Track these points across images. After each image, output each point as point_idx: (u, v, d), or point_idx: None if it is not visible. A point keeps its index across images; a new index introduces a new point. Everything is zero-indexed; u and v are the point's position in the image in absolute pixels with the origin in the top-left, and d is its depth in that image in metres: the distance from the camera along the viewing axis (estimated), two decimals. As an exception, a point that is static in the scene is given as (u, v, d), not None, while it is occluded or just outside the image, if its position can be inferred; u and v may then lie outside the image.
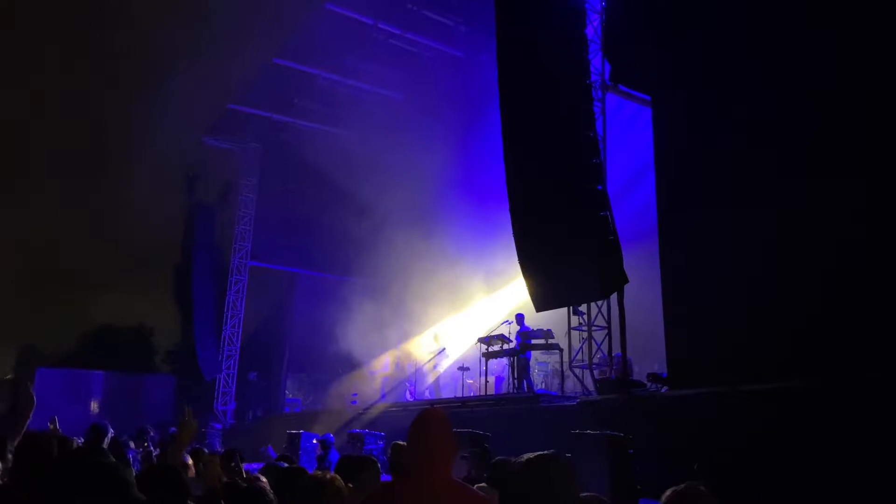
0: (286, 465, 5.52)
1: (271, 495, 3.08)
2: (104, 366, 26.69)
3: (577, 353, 10.92)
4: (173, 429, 10.78)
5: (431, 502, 2.72)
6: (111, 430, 6.97)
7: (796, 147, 8.20)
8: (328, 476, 2.87)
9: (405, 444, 3.04)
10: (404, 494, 2.78)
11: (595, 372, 10.64)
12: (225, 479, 4.20)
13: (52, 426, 7.25)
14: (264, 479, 4.87)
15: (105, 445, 6.52)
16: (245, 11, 20.91)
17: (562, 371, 12.77)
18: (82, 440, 6.86)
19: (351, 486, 3.11)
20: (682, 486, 2.73)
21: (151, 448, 8.26)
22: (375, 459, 4.75)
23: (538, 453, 2.21)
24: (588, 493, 3.10)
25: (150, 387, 26.27)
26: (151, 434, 9.85)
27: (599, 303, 10.60)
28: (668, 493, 2.76)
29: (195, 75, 16.74)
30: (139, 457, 8.05)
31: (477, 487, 4.64)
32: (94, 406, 24.81)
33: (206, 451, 7.58)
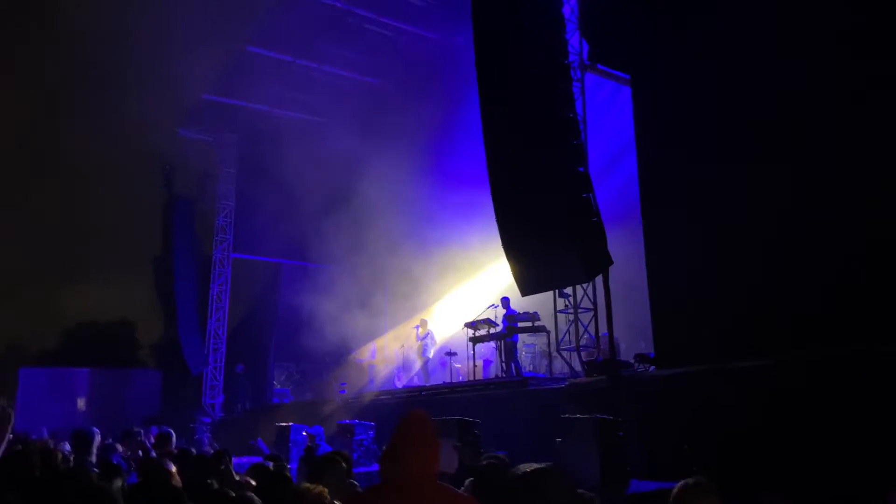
0: (272, 464, 5.47)
1: None
2: (88, 363, 26.41)
3: (564, 335, 10.94)
4: (166, 427, 10.66)
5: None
6: (98, 435, 6.86)
7: (777, 123, 8.19)
8: (315, 490, 2.81)
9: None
10: (390, 500, 2.74)
11: (582, 353, 10.67)
12: (215, 486, 4.14)
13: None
14: (253, 483, 4.83)
15: (94, 452, 6.44)
16: (215, -1, 20.51)
17: (549, 353, 12.81)
18: (69, 447, 6.77)
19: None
20: (692, 480, 2.82)
21: (149, 448, 8.09)
22: (337, 458, 4.71)
23: (535, 467, 2.15)
24: (582, 491, 3.09)
25: (136, 382, 26.03)
26: (140, 433, 9.68)
27: (585, 284, 10.59)
28: (678, 486, 2.86)
29: (167, 65, 16.40)
30: (128, 459, 7.93)
31: (468, 481, 4.63)
32: (80, 404, 24.56)
33: (193, 451, 7.50)
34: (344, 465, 4.95)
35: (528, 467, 2.14)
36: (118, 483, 4.58)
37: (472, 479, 4.58)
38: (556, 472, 2.17)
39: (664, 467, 7.22)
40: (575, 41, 11.37)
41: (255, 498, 3.02)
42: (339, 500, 3.50)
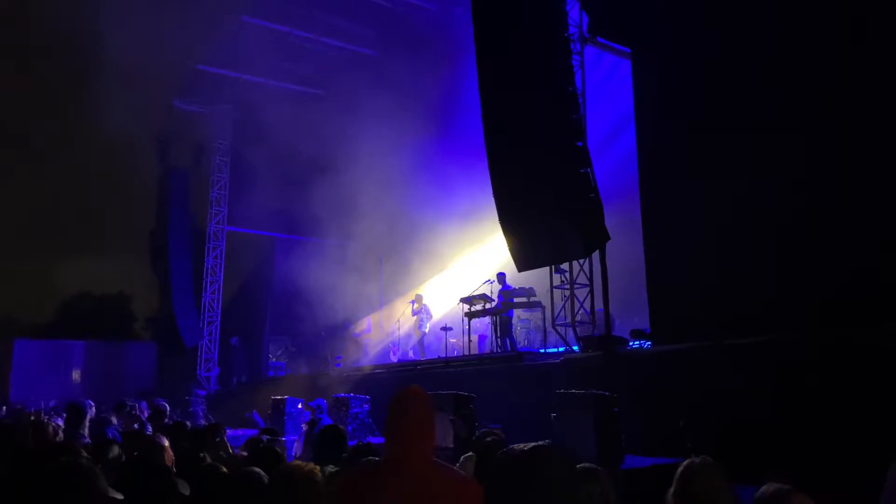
0: (267, 438, 5.45)
1: (263, 481, 2.94)
2: (84, 335, 26.41)
3: (560, 310, 10.92)
4: (159, 400, 10.64)
5: (414, 486, 2.64)
6: (92, 408, 6.85)
7: (777, 97, 8.10)
8: (305, 468, 2.76)
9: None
10: (386, 479, 2.70)
11: (578, 329, 10.66)
12: (208, 460, 4.12)
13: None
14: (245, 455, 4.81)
15: (86, 425, 6.42)
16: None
17: (544, 328, 12.80)
18: (62, 421, 6.74)
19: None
20: (698, 458, 2.79)
21: (144, 421, 8.08)
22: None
23: (533, 445, 2.10)
24: (583, 465, 3.05)
25: (132, 354, 26.08)
26: (135, 406, 9.66)
27: (581, 260, 10.55)
28: (684, 464, 2.85)
29: (161, 35, 16.14)
30: (121, 432, 7.93)
31: (463, 458, 4.61)
32: (75, 376, 24.61)
33: (188, 424, 7.50)
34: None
35: (525, 446, 2.09)
36: (115, 451, 4.55)
37: (469, 453, 4.56)
38: (557, 449, 2.12)
39: (659, 443, 7.24)
40: (575, 13, 11.20)
41: (258, 471, 2.96)
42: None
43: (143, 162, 23.66)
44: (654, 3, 10.07)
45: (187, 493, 2.88)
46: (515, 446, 2.14)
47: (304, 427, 9.12)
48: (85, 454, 3.61)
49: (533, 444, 2.09)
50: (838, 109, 7.55)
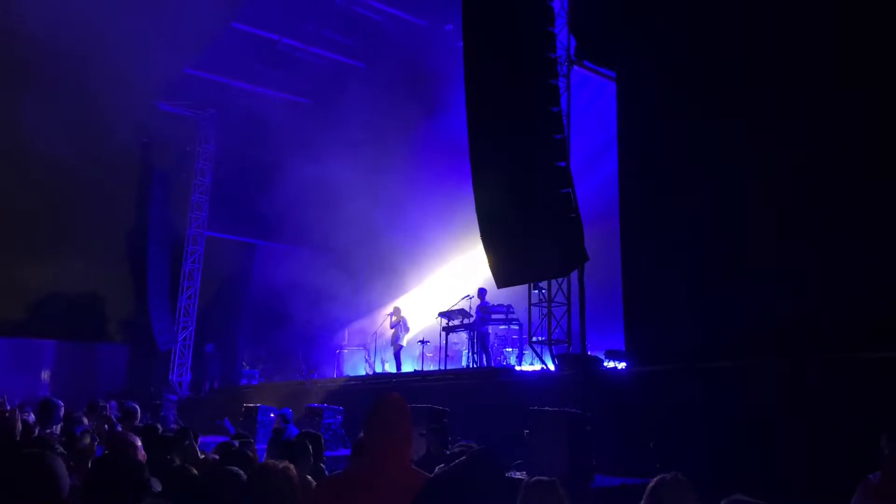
0: (237, 444, 5.42)
1: (241, 478, 2.92)
2: (55, 335, 25.98)
3: (538, 328, 10.98)
4: (130, 402, 10.52)
5: (391, 493, 2.66)
6: (62, 408, 6.76)
7: (761, 125, 8.24)
8: (280, 466, 2.77)
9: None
10: (363, 485, 2.71)
11: (554, 347, 10.72)
12: (177, 462, 4.09)
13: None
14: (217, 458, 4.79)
15: (58, 423, 6.35)
16: (202, -28, 20.15)
17: (520, 346, 12.86)
18: (32, 416, 6.66)
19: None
20: (669, 475, 2.84)
21: (114, 422, 7.99)
22: (306, 443, 4.69)
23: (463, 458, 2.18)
24: (538, 478, 3.10)
25: (103, 357, 25.69)
26: (106, 407, 9.56)
27: (560, 279, 10.64)
28: (655, 479, 2.92)
29: (148, 36, 16.11)
30: (93, 432, 7.82)
31: (437, 469, 4.62)
32: (44, 376, 24.21)
33: (158, 427, 7.42)
34: (312, 449, 4.93)
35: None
36: (87, 439, 4.50)
37: (441, 465, 4.57)
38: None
39: (629, 463, 7.30)
40: (563, 36, 11.35)
41: (236, 469, 2.96)
42: (307, 484, 3.46)
43: (123, 162, 23.48)
44: (641, 31, 10.24)
45: (160, 489, 2.87)
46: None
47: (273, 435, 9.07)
48: (60, 448, 3.57)
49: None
50: (828, 138, 7.58)
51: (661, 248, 9.38)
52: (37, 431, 5.34)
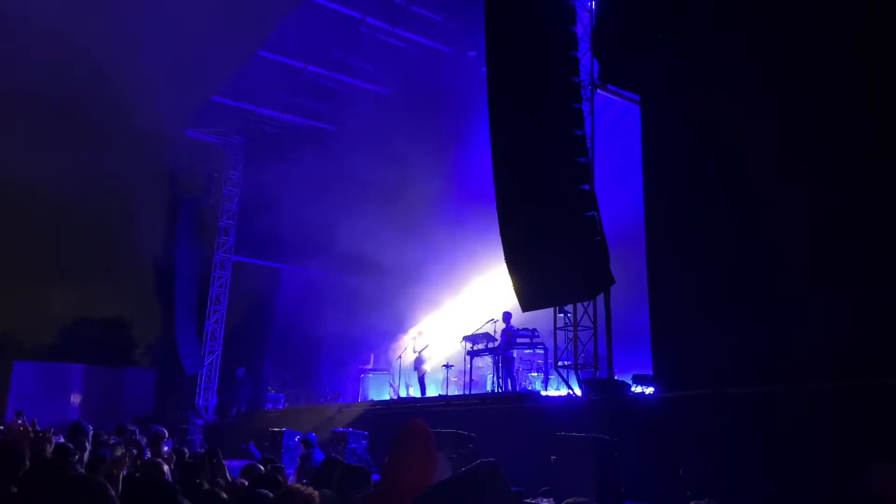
0: (264, 468, 5.42)
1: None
2: (83, 359, 26.31)
3: (563, 352, 10.89)
4: (159, 427, 10.58)
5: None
6: (91, 431, 6.83)
7: (788, 148, 8.17)
8: (305, 491, 2.77)
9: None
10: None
11: (580, 372, 10.61)
12: (205, 486, 4.10)
13: (19, 421, 7.09)
14: (245, 483, 4.78)
15: (88, 445, 6.40)
16: (229, 1, 20.65)
17: (546, 370, 12.75)
18: (62, 438, 6.73)
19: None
20: (703, 502, 2.79)
21: (143, 446, 8.03)
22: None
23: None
24: (573, 499, 3.06)
25: (131, 381, 25.94)
26: (135, 431, 9.61)
27: (585, 302, 10.57)
28: None
29: (177, 66, 16.51)
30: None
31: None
32: (74, 399, 24.48)
33: (186, 451, 7.46)
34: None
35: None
36: (118, 453, 4.52)
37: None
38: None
39: (658, 490, 7.17)
40: (587, 60, 11.39)
41: (265, 492, 2.96)
42: None
43: (152, 189, 23.93)
44: (665, 54, 10.25)
45: (191, 510, 2.88)
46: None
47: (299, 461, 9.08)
48: (81, 469, 3.59)
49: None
50: (859, 160, 7.49)
51: (689, 271, 9.28)
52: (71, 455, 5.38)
